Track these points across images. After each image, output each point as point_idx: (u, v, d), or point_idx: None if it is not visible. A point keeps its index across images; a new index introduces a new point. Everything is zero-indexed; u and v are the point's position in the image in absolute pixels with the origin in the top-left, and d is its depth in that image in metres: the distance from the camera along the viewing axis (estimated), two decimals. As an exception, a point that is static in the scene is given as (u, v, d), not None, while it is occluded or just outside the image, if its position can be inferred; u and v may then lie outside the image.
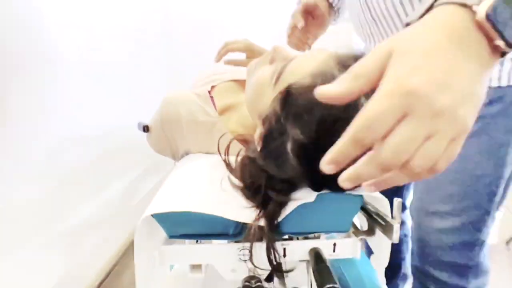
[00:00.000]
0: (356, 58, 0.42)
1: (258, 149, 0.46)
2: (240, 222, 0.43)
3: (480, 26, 0.26)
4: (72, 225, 0.87)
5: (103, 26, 1.06)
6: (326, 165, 0.28)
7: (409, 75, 0.25)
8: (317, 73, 0.41)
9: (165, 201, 0.45)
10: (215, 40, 0.82)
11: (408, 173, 0.27)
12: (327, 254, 0.47)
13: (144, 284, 0.43)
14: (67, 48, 0.87)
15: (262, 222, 0.42)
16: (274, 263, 0.44)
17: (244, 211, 0.43)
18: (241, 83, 0.72)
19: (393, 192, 0.42)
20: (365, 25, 0.68)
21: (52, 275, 0.80)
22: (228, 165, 0.50)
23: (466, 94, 0.25)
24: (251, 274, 0.46)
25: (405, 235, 0.96)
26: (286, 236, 0.49)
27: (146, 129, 0.65)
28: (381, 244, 0.50)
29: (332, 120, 0.38)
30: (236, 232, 0.45)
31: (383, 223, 0.46)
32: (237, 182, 0.47)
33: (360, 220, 0.55)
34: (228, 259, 0.46)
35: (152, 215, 0.43)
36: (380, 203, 0.47)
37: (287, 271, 0.47)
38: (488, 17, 0.25)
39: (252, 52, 0.73)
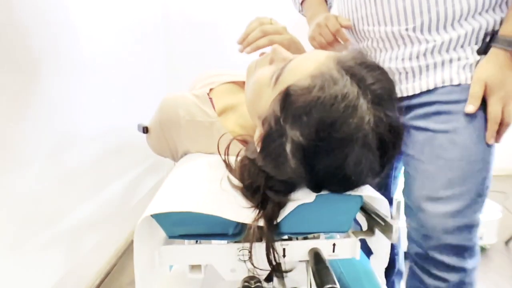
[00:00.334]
0: (354, 58, 0.42)
1: (258, 150, 0.46)
2: (239, 223, 0.43)
3: None
4: (72, 225, 0.87)
5: (104, 27, 1.06)
6: None
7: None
8: (317, 74, 0.41)
9: (164, 201, 0.45)
10: (215, 42, 0.82)
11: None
12: (327, 254, 0.47)
13: (143, 284, 0.43)
14: (67, 49, 0.87)
15: (261, 223, 0.42)
16: (274, 263, 0.43)
17: (243, 211, 0.43)
18: (240, 85, 0.72)
19: (380, 186, 0.44)
20: (361, 7, 0.70)
21: (52, 275, 0.80)
22: (228, 165, 0.50)
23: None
24: (251, 274, 0.46)
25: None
26: (285, 236, 0.49)
27: (145, 130, 0.65)
28: (381, 244, 0.50)
29: (331, 122, 0.38)
30: (235, 232, 0.45)
31: (382, 223, 0.46)
32: (236, 182, 0.47)
33: (359, 221, 0.55)
34: (228, 259, 0.46)
35: (151, 215, 0.43)
36: (380, 204, 0.47)
37: (287, 271, 0.47)
38: None
39: (297, 51, 0.64)
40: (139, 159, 1.31)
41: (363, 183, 0.44)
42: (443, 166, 0.65)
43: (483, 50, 0.63)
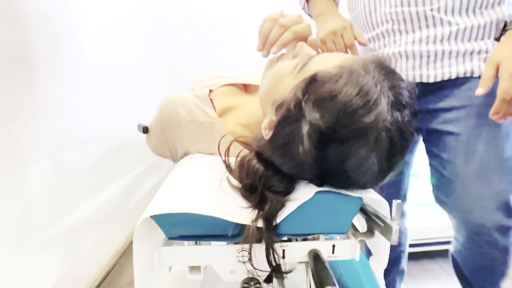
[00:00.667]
0: (374, 62, 0.43)
1: (266, 138, 0.46)
2: (239, 224, 0.43)
3: None
4: (72, 225, 0.87)
5: (104, 27, 1.07)
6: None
7: None
8: (344, 66, 0.42)
9: (164, 202, 0.45)
10: (215, 42, 0.82)
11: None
12: (326, 256, 0.47)
13: (143, 285, 0.43)
14: (67, 49, 0.87)
15: (260, 223, 0.42)
16: (273, 264, 0.43)
17: (243, 212, 0.43)
18: (240, 87, 0.72)
19: (393, 183, 0.50)
20: (382, 24, 0.73)
21: (51, 275, 0.80)
22: (228, 166, 0.50)
23: None
24: (250, 275, 0.46)
25: (404, 228, 0.96)
26: (285, 238, 0.49)
27: (145, 130, 0.65)
28: (380, 246, 0.50)
29: (352, 110, 0.39)
30: (235, 233, 0.45)
31: (382, 224, 0.46)
32: (236, 183, 0.47)
33: (359, 222, 0.55)
34: (227, 261, 0.46)
35: (151, 217, 0.43)
36: (379, 205, 0.47)
37: (286, 273, 0.47)
38: None
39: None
40: (139, 159, 1.31)
41: (364, 183, 0.44)
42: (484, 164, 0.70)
43: (499, 37, 0.66)
